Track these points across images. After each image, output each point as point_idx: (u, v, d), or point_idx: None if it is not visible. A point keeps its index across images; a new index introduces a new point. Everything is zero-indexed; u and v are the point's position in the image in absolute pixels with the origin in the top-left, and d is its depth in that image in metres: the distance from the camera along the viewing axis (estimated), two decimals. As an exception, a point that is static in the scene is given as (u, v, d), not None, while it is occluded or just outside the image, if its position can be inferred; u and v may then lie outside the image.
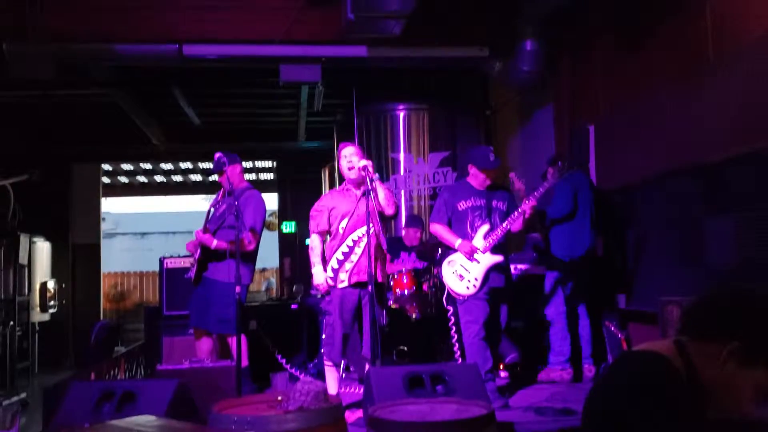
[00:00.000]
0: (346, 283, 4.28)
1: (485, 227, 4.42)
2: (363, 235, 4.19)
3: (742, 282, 3.95)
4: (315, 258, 4.42)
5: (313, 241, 4.47)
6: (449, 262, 4.48)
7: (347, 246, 4.29)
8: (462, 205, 4.50)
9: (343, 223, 4.32)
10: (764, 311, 1.54)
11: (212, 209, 4.82)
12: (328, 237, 4.51)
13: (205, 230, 4.63)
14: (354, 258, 4.27)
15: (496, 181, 4.61)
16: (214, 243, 4.57)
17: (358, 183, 4.32)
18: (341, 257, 4.30)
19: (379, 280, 4.32)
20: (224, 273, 4.56)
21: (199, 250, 4.68)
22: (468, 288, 4.37)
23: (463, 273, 4.40)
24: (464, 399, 2.92)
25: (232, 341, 4.63)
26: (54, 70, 5.67)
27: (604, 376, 1.74)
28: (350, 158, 4.33)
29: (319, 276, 4.35)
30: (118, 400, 3.16)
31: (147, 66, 6.81)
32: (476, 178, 4.52)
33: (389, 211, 4.27)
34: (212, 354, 4.73)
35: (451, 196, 4.57)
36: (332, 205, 4.41)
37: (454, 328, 4.61)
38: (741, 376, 1.52)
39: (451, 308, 4.62)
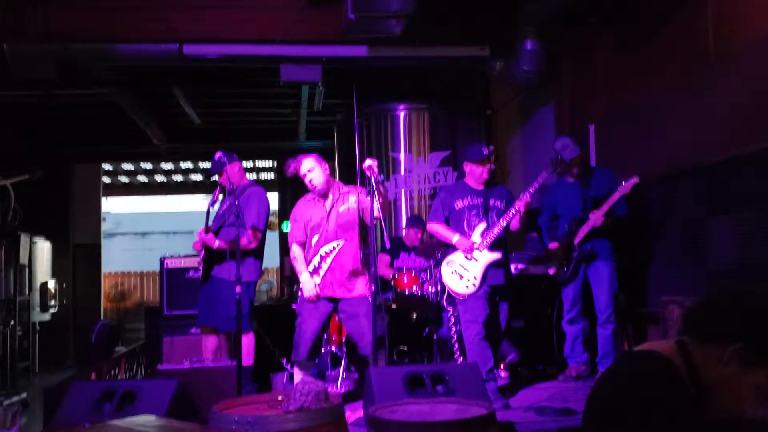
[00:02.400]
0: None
1: (482, 225, 4.44)
2: (331, 250, 4.38)
3: (743, 282, 3.95)
4: (300, 266, 4.52)
5: (295, 252, 4.58)
6: (448, 263, 4.49)
7: (317, 261, 4.44)
8: (459, 204, 4.52)
9: (315, 238, 4.46)
10: (765, 312, 1.54)
11: (211, 208, 4.83)
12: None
13: (207, 230, 4.64)
14: (321, 272, 4.41)
15: (493, 179, 4.62)
16: (216, 243, 4.60)
17: (322, 194, 4.46)
18: (311, 270, 4.46)
19: (355, 295, 4.35)
20: (230, 271, 4.60)
21: (203, 250, 4.70)
22: (467, 287, 4.38)
23: (462, 272, 4.41)
24: (465, 399, 2.92)
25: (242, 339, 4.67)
26: (54, 71, 5.66)
27: (604, 376, 1.74)
28: (309, 176, 4.44)
29: (308, 283, 4.43)
30: (118, 400, 3.17)
31: (147, 66, 6.80)
32: (473, 174, 4.54)
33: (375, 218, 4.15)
34: (217, 352, 4.75)
35: (448, 196, 4.61)
36: (307, 216, 4.52)
37: (454, 328, 4.61)
38: (743, 376, 1.52)
39: (451, 308, 4.62)
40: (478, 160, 4.49)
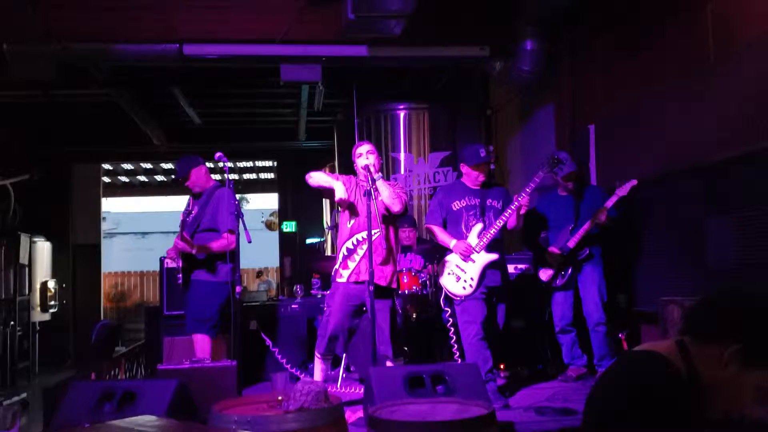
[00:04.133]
0: (345, 279, 4.38)
1: (479, 226, 4.44)
2: (366, 238, 4.19)
3: (742, 282, 3.95)
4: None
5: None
6: (445, 263, 4.49)
7: (352, 243, 4.38)
8: (456, 205, 4.53)
9: (351, 222, 4.41)
10: (765, 312, 1.54)
11: (188, 219, 4.79)
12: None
13: (182, 238, 4.65)
14: (356, 257, 4.35)
15: (491, 180, 4.63)
16: (194, 250, 4.61)
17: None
18: (346, 253, 4.40)
19: (383, 283, 4.33)
20: (201, 273, 4.65)
21: (180, 259, 4.70)
22: (465, 288, 4.38)
23: (459, 273, 4.41)
24: (465, 399, 2.92)
25: (196, 338, 4.65)
26: (54, 70, 5.67)
27: (604, 376, 1.74)
28: (366, 156, 4.35)
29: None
30: (118, 400, 3.17)
31: (147, 66, 6.81)
32: (469, 176, 4.55)
33: (395, 208, 4.32)
34: (215, 352, 4.75)
35: (446, 197, 4.60)
36: (351, 188, 4.44)
37: (452, 329, 4.60)
38: (743, 377, 1.51)
39: (448, 309, 4.60)
40: (474, 165, 4.50)
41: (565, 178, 5.03)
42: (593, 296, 4.87)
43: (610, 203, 4.78)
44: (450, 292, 4.45)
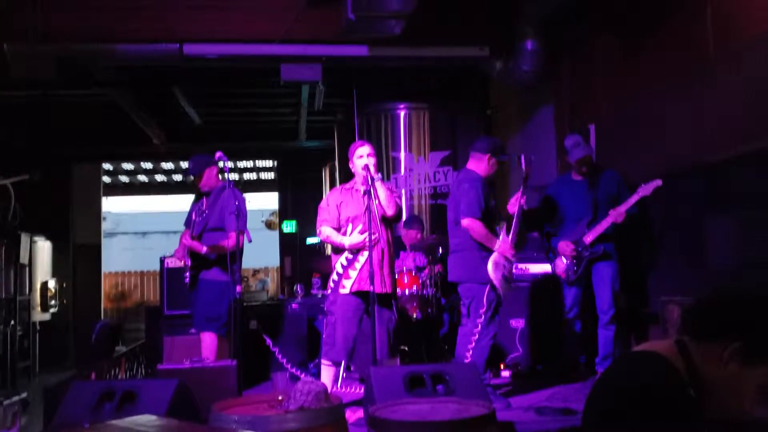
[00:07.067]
0: (347, 290, 4.33)
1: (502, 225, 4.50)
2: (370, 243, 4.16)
3: (742, 282, 3.95)
4: (337, 238, 4.38)
5: (325, 231, 4.44)
6: (495, 264, 4.39)
7: (351, 253, 4.34)
8: (491, 202, 4.51)
9: (349, 229, 4.37)
10: (766, 311, 1.54)
11: (198, 218, 4.81)
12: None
13: (192, 237, 4.66)
14: (357, 266, 4.31)
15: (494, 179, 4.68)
16: (204, 249, 4.65)
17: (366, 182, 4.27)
18: (345, 263, 4.36)
19: (384, 290, 4.31)
20: (211, 272, 4.69)
21: (189, 258, 4.71)
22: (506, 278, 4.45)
23: (507, 264, 4.44)
24: (465, 399, 2.92)
25: (205, 337, 4.66)
26: (54, 70, 5.67)
27: (604, 376, 1.74)
28: (367, 158, 4.32)
29: (357, 237, 4.30)
30: (118, 399, 3.18)
31: (147, 66, 6.80)
32: (491, 170, 4.59)
33: (389, 212, 4.29)
34: (221, 351, 4.77)
35: (482, 189, 4.45)
36: (340, 201, 4.43)
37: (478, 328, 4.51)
38: (743, 376, 1.51)
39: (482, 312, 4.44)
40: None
41: (578, 163, 4.95)
42: (607, 294, 4.80)
43: (631, 202, 4.67)
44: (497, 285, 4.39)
